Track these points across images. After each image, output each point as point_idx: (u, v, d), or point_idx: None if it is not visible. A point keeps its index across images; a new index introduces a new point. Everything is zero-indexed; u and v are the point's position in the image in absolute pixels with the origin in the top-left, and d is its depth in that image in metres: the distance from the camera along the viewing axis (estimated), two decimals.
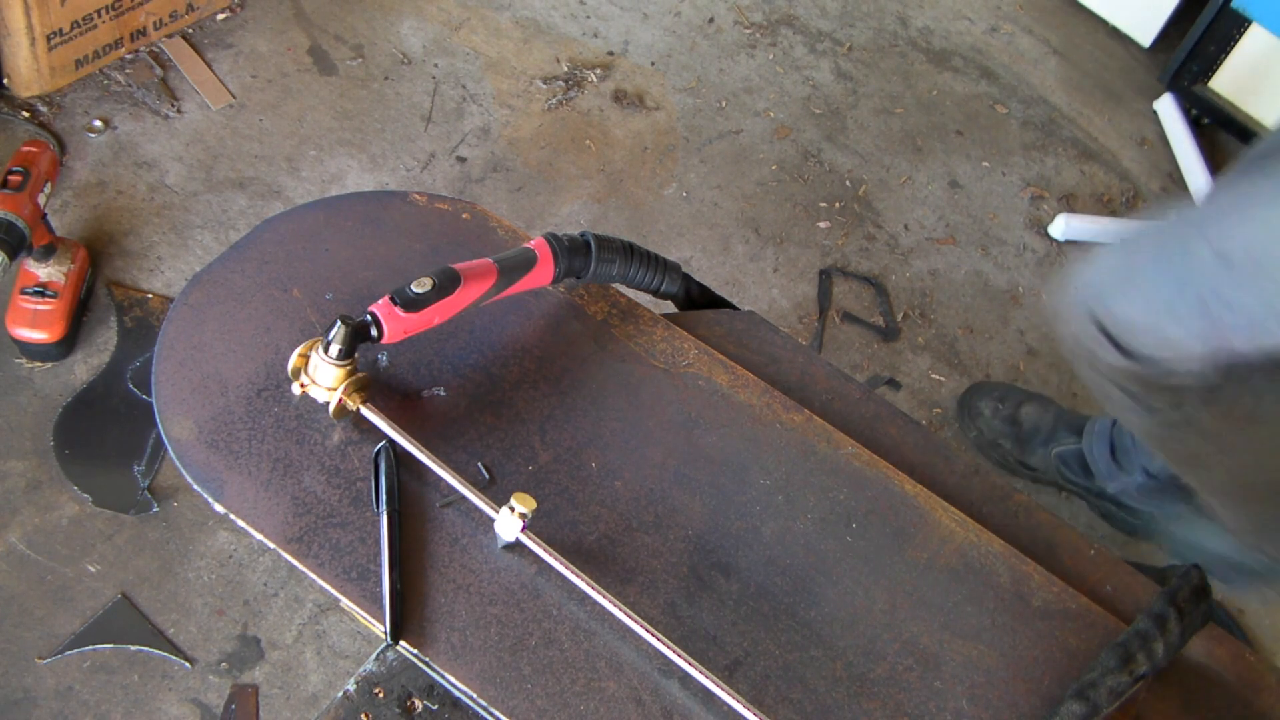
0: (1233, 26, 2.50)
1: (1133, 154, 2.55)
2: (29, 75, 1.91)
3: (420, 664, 0.76)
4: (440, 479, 0.79)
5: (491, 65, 2.22)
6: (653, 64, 2.27)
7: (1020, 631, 0.84)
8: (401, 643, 0.75)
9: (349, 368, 0.79)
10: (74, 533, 1.59)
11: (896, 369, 2.00)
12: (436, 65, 2.18)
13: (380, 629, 0.75)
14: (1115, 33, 2.78)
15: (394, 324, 0.78)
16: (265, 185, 1.96)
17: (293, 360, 0.80)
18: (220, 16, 2.13)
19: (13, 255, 1.54)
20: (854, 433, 0.92)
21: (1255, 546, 0.97)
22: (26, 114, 1.93)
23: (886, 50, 2.49)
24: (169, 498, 1.64)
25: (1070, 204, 2.40)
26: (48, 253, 1.68)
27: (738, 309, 0.99)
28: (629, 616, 0.76)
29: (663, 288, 0.95)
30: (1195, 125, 2.58)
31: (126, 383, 1.72)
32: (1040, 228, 2.34)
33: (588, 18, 2.32)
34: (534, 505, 0.77)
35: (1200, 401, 0.89)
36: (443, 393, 0.86)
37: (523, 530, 0.77)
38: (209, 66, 2.06)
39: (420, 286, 0.79)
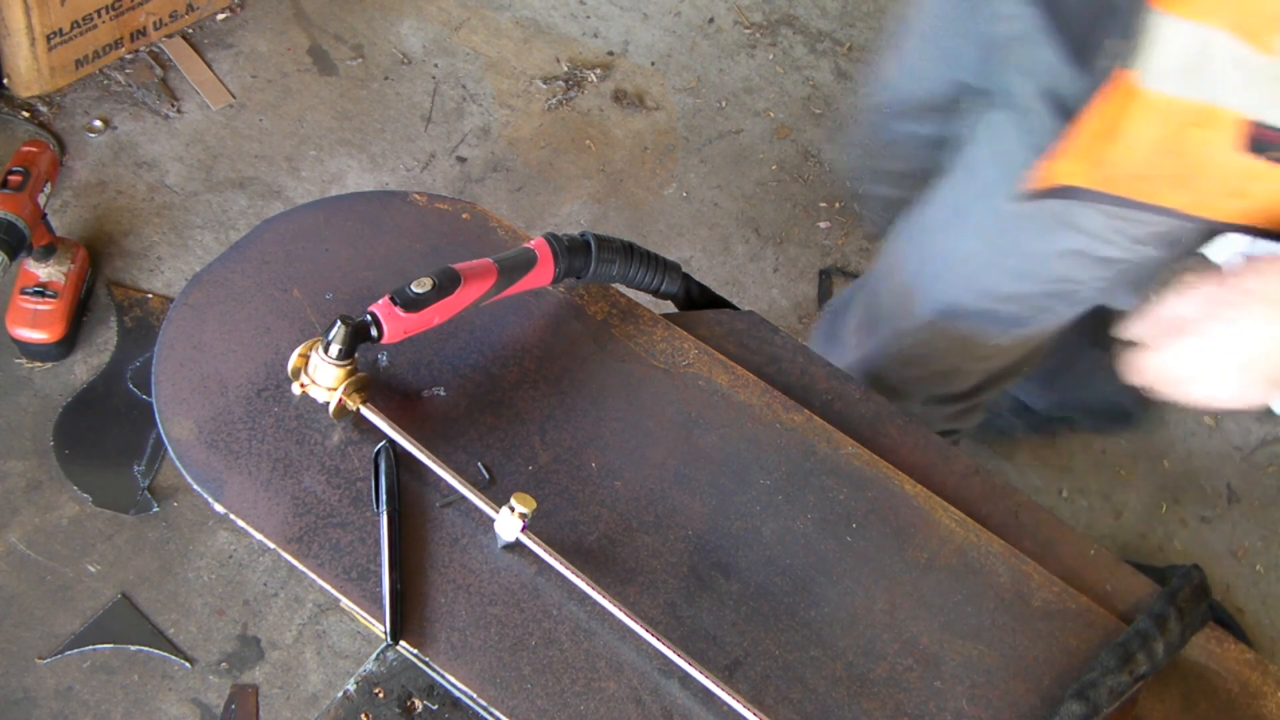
0: None
1: None
2: (29, 75, 1.91)
3: (420, 664, 0.76)
4: (440, 479, 0.79)
5: (491, 65, 2.22)
6: (653, 64, 2.27)
7: (1020, 631, 0.84)
8: (401, 643, 0.75)
9: (349, 368, 0.79)
10: (74, 533, 1.59)
11: None
12: (436, 65, 2.18)
13: (380, 629, 0.75)
14: None
15: (394, 324, 0.78)
16: (265, 185, 1.96)
17: (293, 360, 0.80)
18: (220, 16, 2.13)
19: (13, 255, 1.54)
20: (854, 433, 0.92)
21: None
22: (26, 114, 1.93)
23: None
24: (169, 498, 1.64)
25: None
26: (48, 253, 1.68)
27: (738, 309, 0.99)
28: (629, 616, 0.76)
29: (663, 288, 0.95)
30: None
31: (126, 383, 1.72)
32: None
33: (588, 18, 2.32)
34: (534, 505, 0.77)
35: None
36: (443, 393, 0.86)
37: (523, 530, 0.77)
38: (209, 66, 2.07)
39: (420, 286, 0.79)
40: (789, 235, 2.11)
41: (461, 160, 2.08)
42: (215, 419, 0.81)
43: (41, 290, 1.67)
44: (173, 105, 2.00)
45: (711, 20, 2.38)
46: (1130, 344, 0.87)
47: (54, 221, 1.74)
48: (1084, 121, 0.82)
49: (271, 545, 0.77)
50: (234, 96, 2.04)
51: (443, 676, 0.75)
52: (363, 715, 0.83)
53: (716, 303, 1.00)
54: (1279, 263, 0.80)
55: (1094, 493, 1.99)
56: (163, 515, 1.62)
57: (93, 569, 1.57)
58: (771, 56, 2.36)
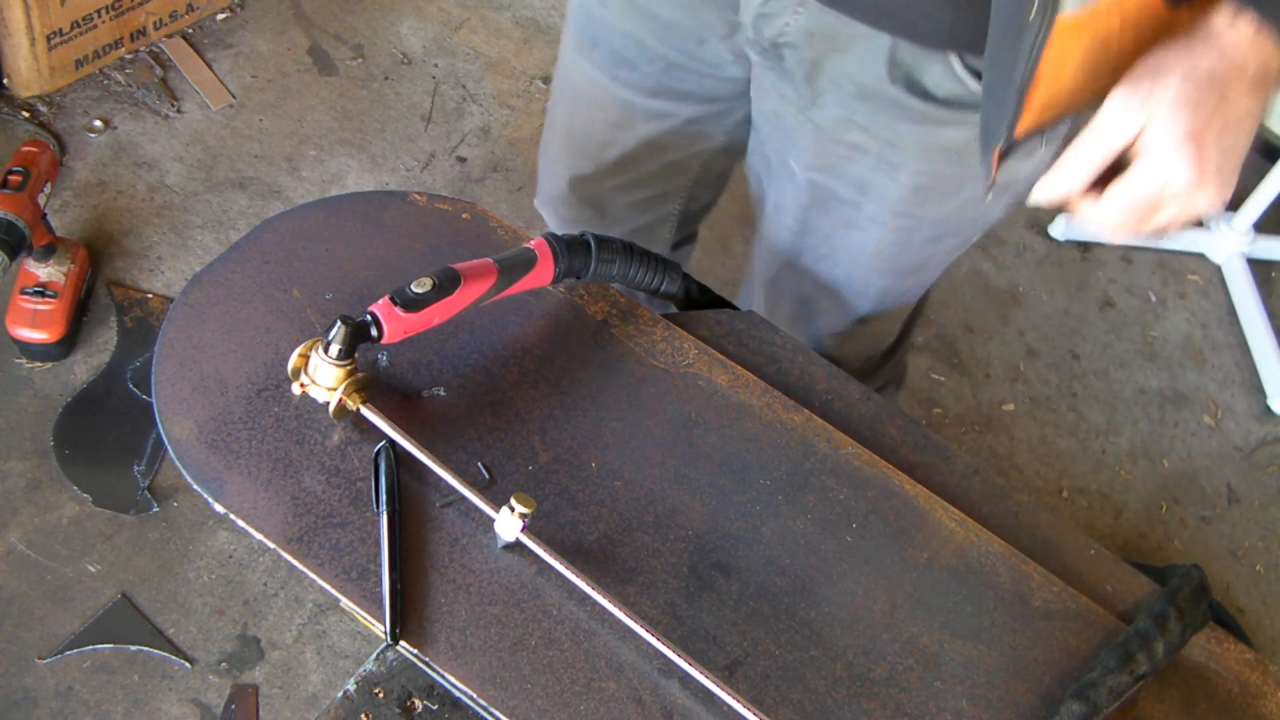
0: None
1: None
2: (29, 75, 1.91)
3: (420, 664, 0.76)
4: (440, 479, 0.80)
5: (491, 65, 2.22)
6: None
7: (1020, 631, 0.84)
8: (401, 643, 0.75)
9: (349, 368, 0.79)
10: (74, 533, 1.59)
11: None
12: (436, 65, 2.19)
13: (380, 629, 0.75)
14: None
15: (394, 324, 0.78)
16: (265, 185, 1.96)
17: (293, 360, 0.80)
18: (220, 16, 2.13)
19: (13, 255, 1.54)
20: (854, 433, 0.92)
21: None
22: (26, 114, 1.93)
23: None
24: (169, 498, 1.64)
25: None
26: (48, 253, 1.69)
27: (738, 309, 0.99)
28: (629, 616, 0.76)
29: (663, 288, 0.95)
30: None
31: (126, 383, 1.72)
32: (1040, 228, 2.34)
33: None
34: (534, 505, 0.77)
35: None
36: (443, 393, 0.86)
37: (523, 530, 0.77)
38: (209, 66, 2.07)
39: (420, 286, 0.79)
40: None
41: (461, 160, 2.08)
42: (215, 419, 0.81)
43: (41, 290, 1.67)
44: (173, 105, 2.00)
45: None
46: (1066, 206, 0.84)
47: (54, 221, 1.74)
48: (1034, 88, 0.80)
49: (271, 545, 0.77)
50: (234, 96, 2.04)
51: (443, 676, 0.75)
52: (363, 715, 0.83)
53: (716, 303, 1.00)
54: (1176, 52, 0.76)
55: (1094, 493, 1.99)
56: (163, 515, 1.62)
57: (93, 569, 1.57)
58: None
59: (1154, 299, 2.29)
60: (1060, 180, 0.80)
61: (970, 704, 0.81)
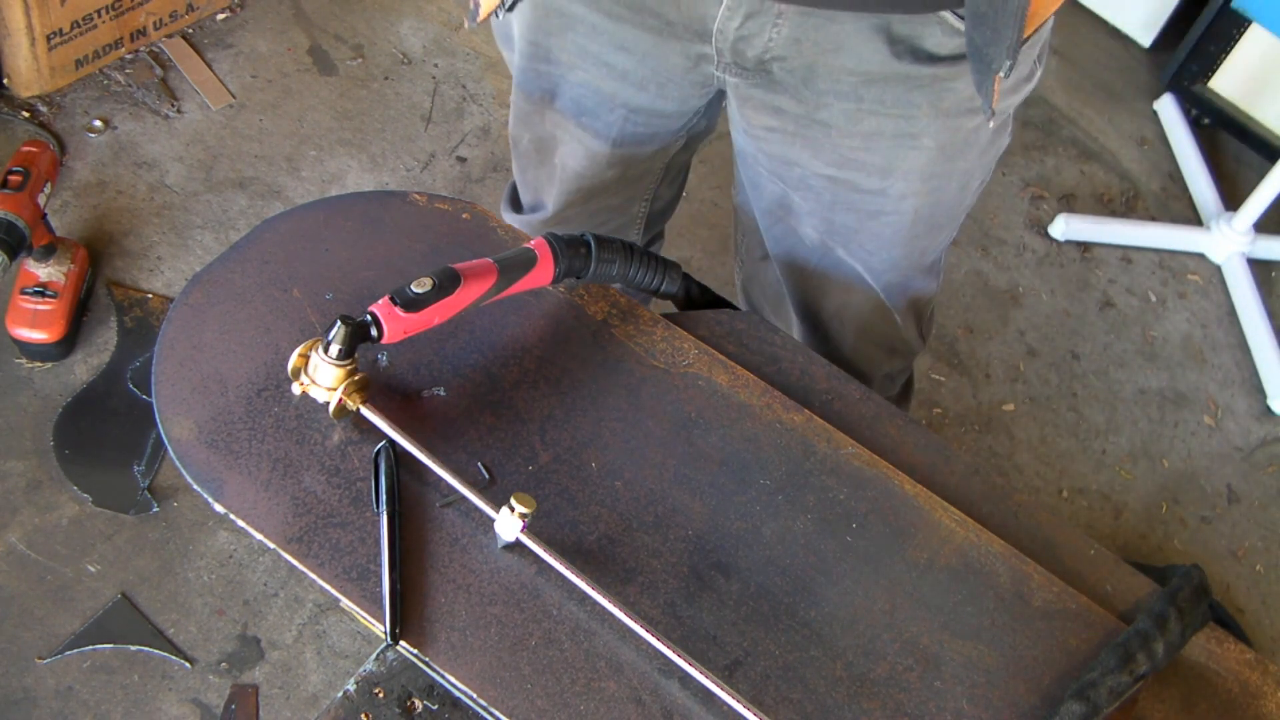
0: (1233, 27, 2.50)
1: (1133, 154, 2.55)
2: (29, 75, 1.91)
3: (420, 664, 0.76)
4: (440, 479, 0.80)
5: (491, 65, 2.22)
6: None
7: (1020, 631, 0.84)
8: (401, 643, 0.75)
9: (349, 368, 0.79)
10: (74, 533, 1.59)
11: None
12: (436, 65, 2.19)
13: (380, 629, 0.75)
14: (1115, 33, 2.79)
15: (394, 324, 0.78)
16: (265, 185, 1.96)
17: (293, 360, 0.80)
18: (220, 16, 2.13)
19: (13, 255, 1.54)
20: (854, 433, 0.92)
21: None
22: (26, 114, 1.93)
23: None
24: (169, 498, 1.64)
25: (1070, 204, 2.40)
26: (48, 253, 1.69)
27: (738, 309, 0.99)
28: (629, 616, 0.76)
29: (663, 288, 0.95)
30: (1195, 125, 2.58)
31: (126, 383, 1.72)
32: (1040, 227, 2.34)
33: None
34: (534, 505, 0.77)
35: None
36: (443, 393, 0.86)
37: (523, 530, 0.77)
38: (209, 66, 2.07)
39: (420, 286, 0.79)
40: None
41: (461, 160, 2.08)
42: (215, 419, 0.81)
43: (41, 290, 1.67)
44: (173, 105, 2.00)
45: None
46: None
47: (54, 221, 1.74)
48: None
49: (271, 545, 0.77)
50: (234, 96, 2.04)
51: (443, 676, 0.75)
52: (363, 715, 0.83)
53: (716, 303, 1.00)
54: None
55: (1094, 493, 1.99)
56: (163, 515, 1.62)
57: (93, 569, 1.57)
58: None
59: (1154, 299, 2.29)
60: None
61: (970, 704, 0.81)
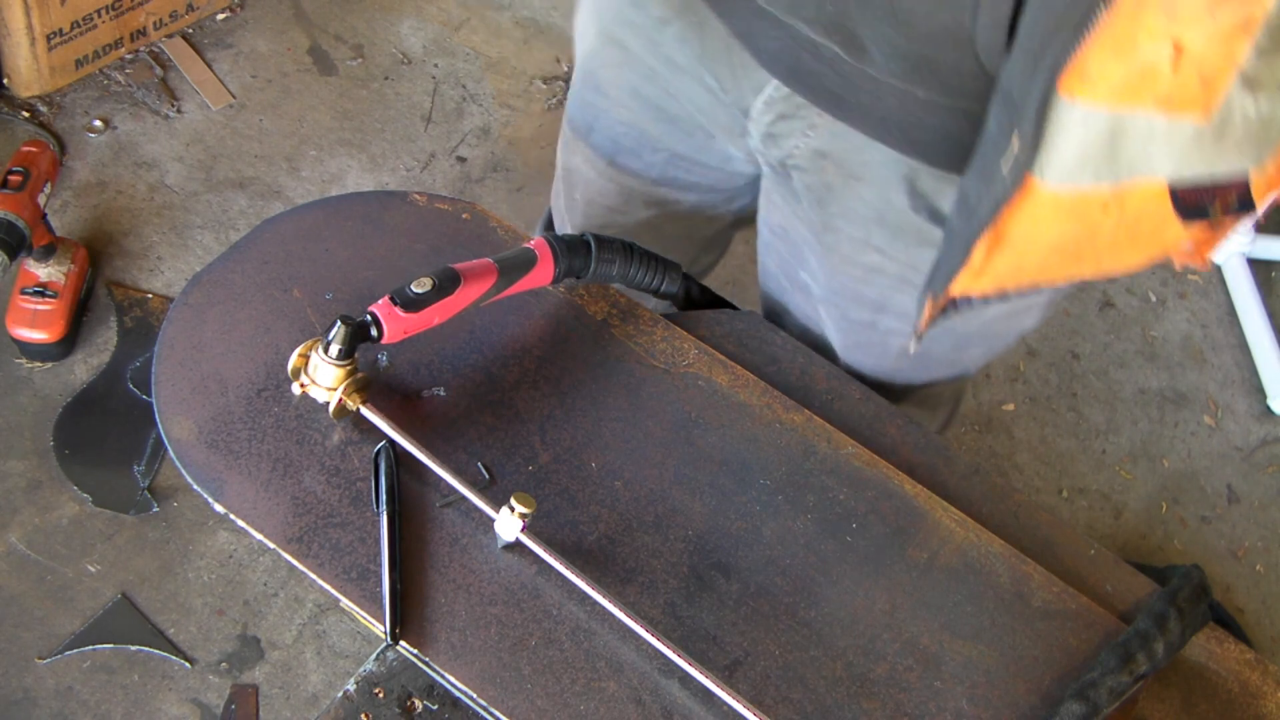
0: None
1: None
2: (29, 75, 1.91)
3: (420, 664, 0.76)
4: (440, 479, 0.79)
5: (491, 65, 2.22)
6: None
7: (1020, 631, 0.84)
8: (401, 643, 0.75)
9: (349, 368, 0.79)
10: (74, 533, 1.59)
11: None
12: (436, 65, 2.18)
13: (380, 629, 0.75)
14: None
15: (394, 324, 0.78)
16: (265, 185, 1.96)
17: (293, 360, 0.80)
18: (220, 16, 2.13)
19: (13, 255, 1.54)
20: (854, 433, 0.92)
21: None
22: (26, 114, 1.93)
23: None
24: (169, 498, 1.64)
25: None
26: (48, 253, 1.68)
27: (738, 309, 0.99)
28: (629, 616, 0.76)
29: (663, 288, 0.95)
30: None
31: (126, 383, 1.72)
32: None
33: None
34: (534, 505, 0.77)
35: None
36: (443, 393, 0.86)
37: (523, 530, 0.77)
38: (209, 66, 2.07)
39: (420, 286, 0.79)
40: None
41: (461, 160, 2.08)
42: (215, 419, 0.81)
43: (41, 290, 1.67)
44: (173, 105, 2.00)
45: None
46: None
47: (54, 221, 1.74)
48: (987, 231, 0.69)
49: (271, 545, 0.77)
50: (234, 96, 2.04)
51: (443, 676, 0.75)
52: (363, 715, 0.83)
53: (716, 303, 1.00)
54: None
55: (1094, 493, 1.99)
56: (163, 515, 1.62)
57: (93, 569, 1.57)
58: None
59: (1154, 299, 2.29)
60: None
61: (970, 704, 0.81)
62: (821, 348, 1.08)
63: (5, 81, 1.93)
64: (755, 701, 0.76)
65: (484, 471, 0.83)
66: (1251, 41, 0.57)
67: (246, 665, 1.54)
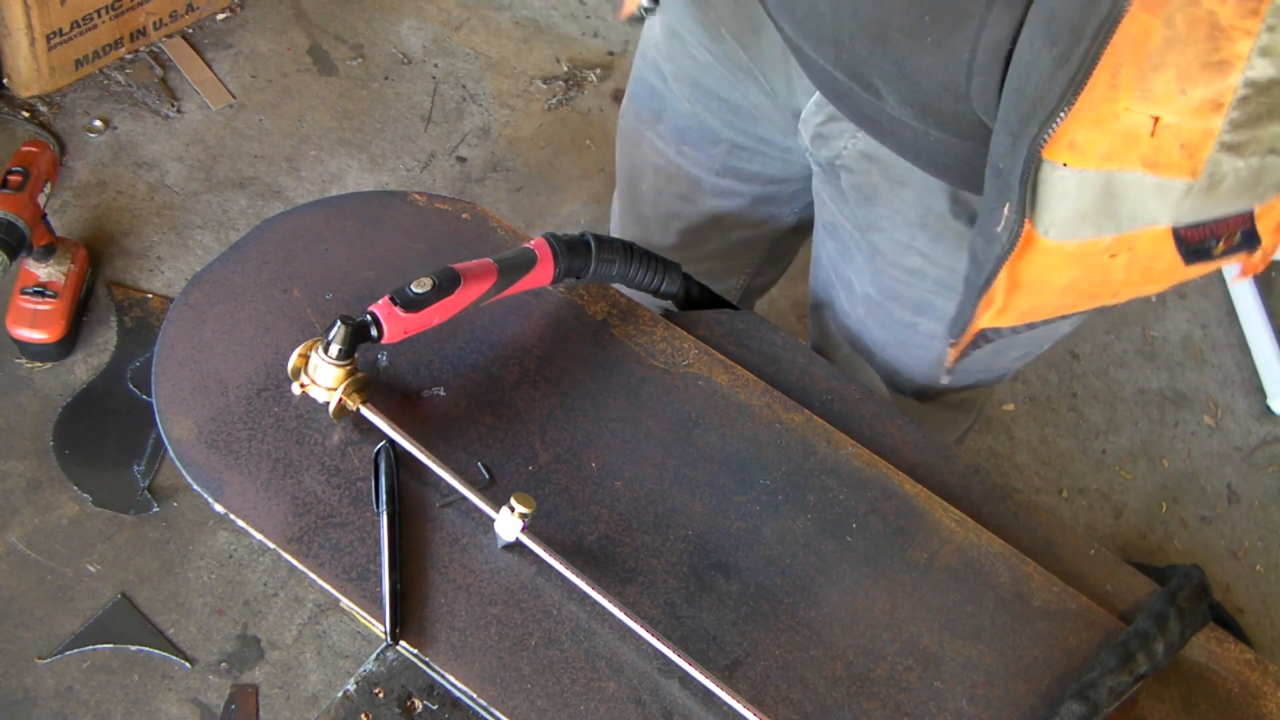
0: None
1: None
2: (29, 75, 1.91)
3: (420, 664, 0.76)
4: (440, 479, 0.80)
5: (491, 65, 2.22)
6: None
7: (1020, 631, 0.84)
8: (401, 643, 0.75)
9: (349, 368, 0.79)
10: (74, 533, 1.59)
11: None
12: (436, 65, 2.19)
13: (380, 629, 0.75)
14: None
15: (394, 324, 0.78)
16: (265, 185, 1.96)
17: (293, 360, 0.80)
18: (220, 16, 2.13)
19: (13, 255, 1.54)
20: (854, 433, 0.92)
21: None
22: (26, 114, 1.93)
23: None
24: (169, 498, 1.64)
25: None
26: (48, 253, 1.69)
27: (738, 309, 0.99)
28: (629, 616, 0.76)
29: (663, 288, 0.95)
30: None
31: (126, 383, 1.72)
32: None
33: (588, 18, 2.32)
34: (534, 505, 0.77)
35: None
36: (443, 393, 0.86)
37: (523, 530, 0.77)
38: (209, 66, 2.07)
39: (420, 286, 0.79)
40: None
41: (461, 160, 2.08)
42: (215, 419, 0.81)
43: (41, 290, 1.67)
44: (173, 105, 2.00)
45: None
46: None
47: (54, 221, 1.74)
48: (995, 283, 0.73)
49: (271, 545, 0.77)
50: (234, 96, 2.04)
51: (443, 676, 0.75)
52: (363, 715, 0.83)
53: (716, 303, 1.00)
54: None
55: (1094, 493, 1.99)
56: (163, 515, 1.62)
57: (93, 569, 1.57)
58: None
59: (1154, 299, 2.29)
60: None
61: (970, 704, 0.81)
62: (862, 346, 1.10)
63: (5, 81, 1.93)
64: (755, 701, 0.76)
65: (484, 471, 0.83)
66: (1224, 118, 0.61)
67: (246, 665, 1.54)
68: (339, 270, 0.91)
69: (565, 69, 2.24)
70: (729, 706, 0.75)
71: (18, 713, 1.46)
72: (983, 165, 0.73)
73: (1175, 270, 0.70)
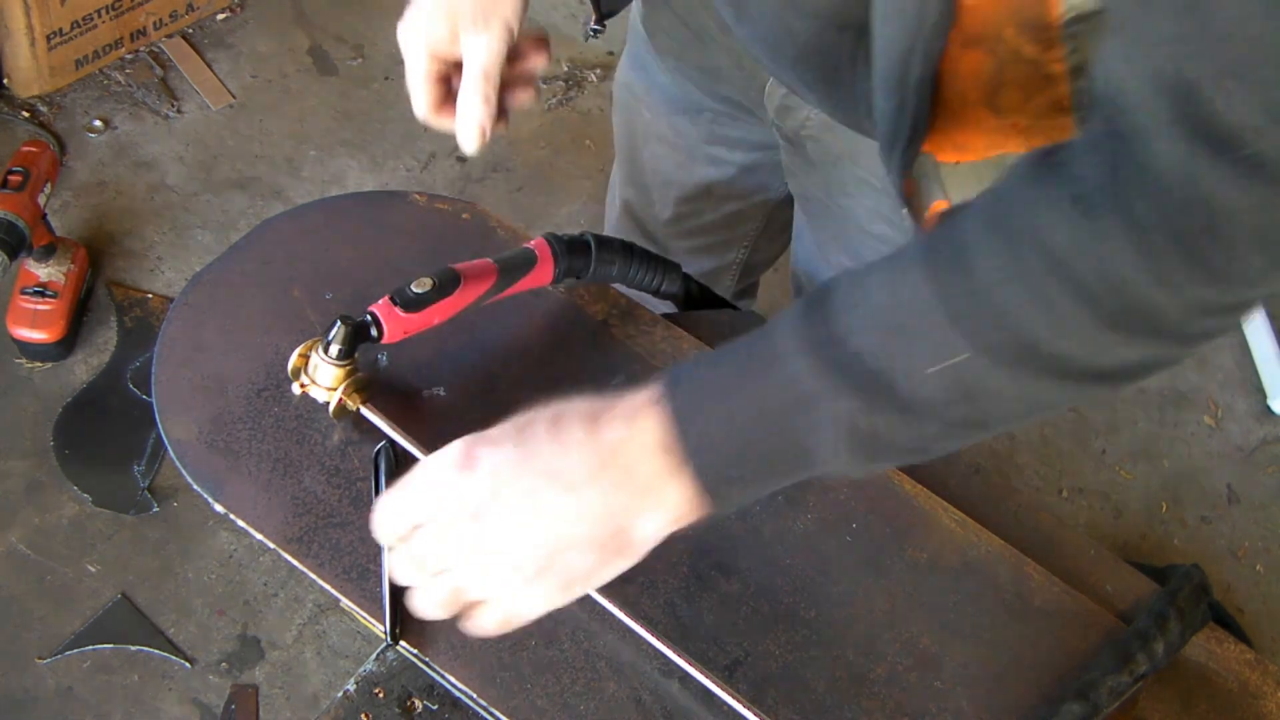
0: None
1: None
2: (29, 75, 1.91)
3: (420, 664, 0.76)
4: None
5: None
6: None
7: (1020, 631, 0.84)
8: (401, 643, 0.75)
9: (349, 368, 0.79)
10: (74, 533, 1.59)
11: None
12: None
13: (380, 629, 0.75)
14: None
15: (394, 324, 0.78)
16: (265, 185, 1.96)
17: (293, 360, 0.80)
18: (220, 16, 2.13)
19: (13, 255, 1.54)
20: None
21: None
22: (26, 114, 1.93)
23: None
24: (169, 498, 1.64)
25: None
26: (48, 253, 1.69)
27: (738, 309, 0.99)
28: (629, 617, 0.76)
29: (663, 288, 0.95)
30: None
31: (126, 383, 1.72)
32: None
33: (588, 18, 2.32)
34: None
35: None
36: (443, 393, 0.86)
37: None
38: (209, 66, 2.07)
39: (420, 286, 0.79)
40: None
41: (461, 160, 2.08)
42: (215, 419, 0.81)
43: (41, 290, 1.67)
44: (173, 105, 2.00)
45: None
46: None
47: (54, 221, 1.74)
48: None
49: (271, 545, 0.77)
50: (234, 96, 2.04)
51: (443, 676, 0.75)
52: (363, 715, 0.83)
53: (716, 303, 1.00)
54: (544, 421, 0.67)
55: (1094, 493, 1.99)
56: (163, 515, 1.62)
57: (93, 569, 1.57)
58: None
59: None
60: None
61: (970, 704, 0.81)
62: None
63: (5, 81, 1.93)
64: (755, 701, 0.76)
65: None
66: (1072, 116, 0.70)
67: (246, 665, 1.54)
68: (339, 270, 0.91)
69: (565, 69, 2.24)
70: (729, 706, 0.75)
71: (18, 713, 1.46)
72: None
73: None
